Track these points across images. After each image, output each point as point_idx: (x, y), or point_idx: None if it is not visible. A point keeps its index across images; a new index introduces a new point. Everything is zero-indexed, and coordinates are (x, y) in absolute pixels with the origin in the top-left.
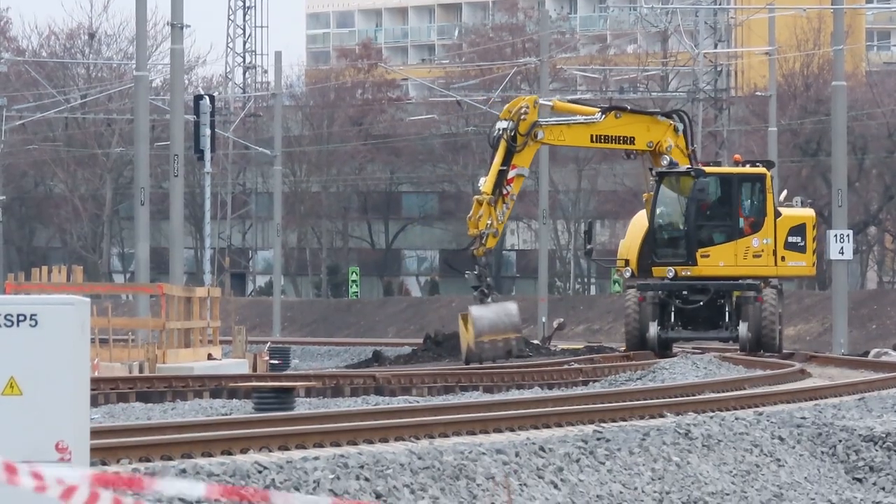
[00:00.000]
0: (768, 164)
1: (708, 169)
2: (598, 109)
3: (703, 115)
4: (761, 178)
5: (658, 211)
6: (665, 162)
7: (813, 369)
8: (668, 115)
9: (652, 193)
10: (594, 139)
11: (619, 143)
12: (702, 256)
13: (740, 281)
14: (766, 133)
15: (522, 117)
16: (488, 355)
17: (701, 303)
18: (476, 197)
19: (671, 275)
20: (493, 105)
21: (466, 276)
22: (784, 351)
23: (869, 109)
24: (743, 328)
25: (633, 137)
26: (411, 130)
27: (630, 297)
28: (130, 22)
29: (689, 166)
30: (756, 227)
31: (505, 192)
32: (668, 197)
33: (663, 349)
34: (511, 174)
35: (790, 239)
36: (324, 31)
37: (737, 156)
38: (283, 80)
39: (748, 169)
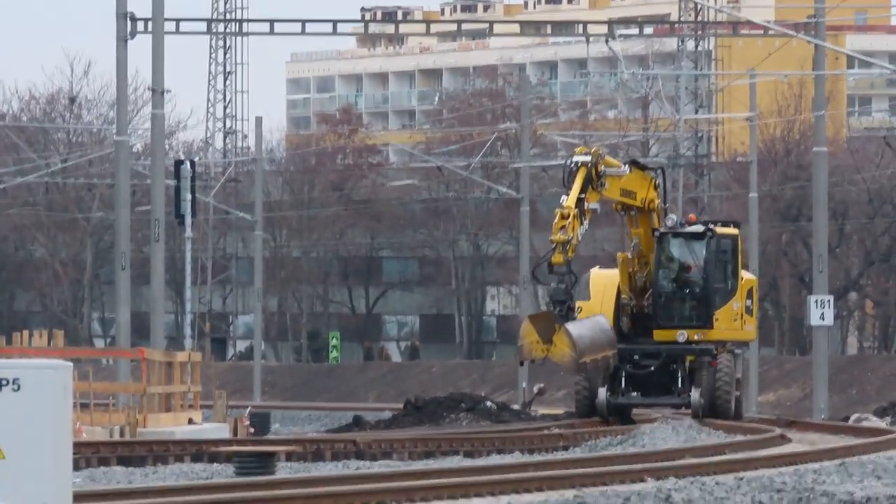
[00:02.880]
0: (736, 224)
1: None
2: (621, 163)
3: (684, 180)
4: (737, 238)
5: (661, 272)
6: (670, 222)
7: (793, 435)
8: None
9: (629, 253)
10: (622, 193)
11: (630, 198)
12: (715, 320)
13: (692, 346)
14: (747, 199)
15: (599, 159)
16: (590, 369)
17: (653, 367)
18: (559, 210)
19: (683, 339)
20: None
21: (550, 287)
22: (761, 416)
23: (850, 175)
24: (695, 394)
25: (636, 192)
26: (392, 196)
27: None
28: (111, 87)
29: (702, 226)
30: (734, 289)
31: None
32: (674, 257)
33: (615, 416)
34: (585, 206)
35: (747, 303)
36: (304, 96)
37: (692, 215)
38: (264, 146)
39: (731, 229)
